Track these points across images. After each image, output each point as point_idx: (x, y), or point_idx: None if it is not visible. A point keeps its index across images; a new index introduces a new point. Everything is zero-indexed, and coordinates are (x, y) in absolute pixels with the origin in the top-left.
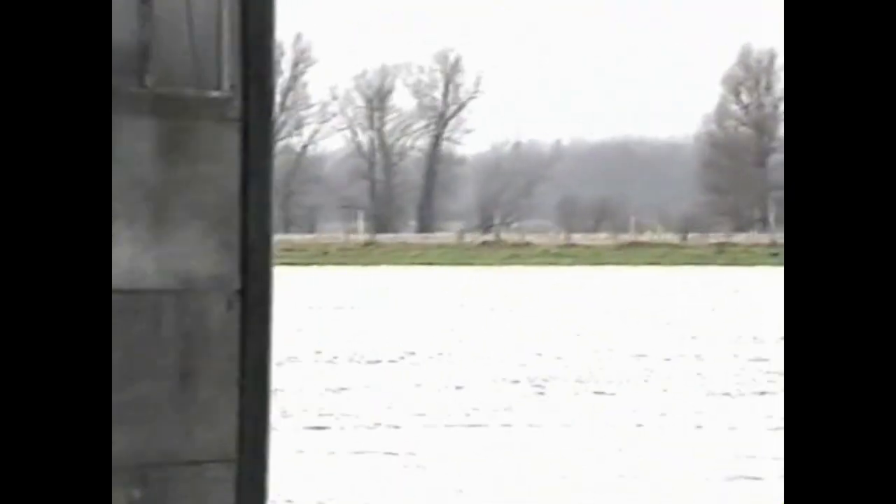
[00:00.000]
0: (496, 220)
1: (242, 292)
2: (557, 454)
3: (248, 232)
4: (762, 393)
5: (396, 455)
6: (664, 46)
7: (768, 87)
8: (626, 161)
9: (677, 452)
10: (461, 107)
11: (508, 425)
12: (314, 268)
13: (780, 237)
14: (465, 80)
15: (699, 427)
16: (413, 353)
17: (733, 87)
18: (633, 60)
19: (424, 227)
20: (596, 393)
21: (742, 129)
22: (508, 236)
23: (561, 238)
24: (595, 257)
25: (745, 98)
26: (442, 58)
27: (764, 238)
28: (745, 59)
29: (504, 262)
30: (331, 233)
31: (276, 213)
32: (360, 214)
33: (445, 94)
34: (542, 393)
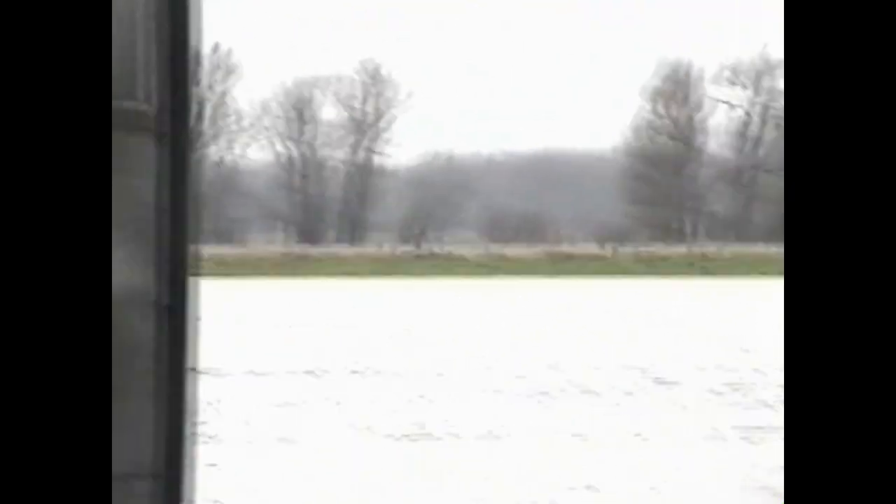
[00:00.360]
0: (426, 233)
1: (164, 305)
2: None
3: (171, 245)
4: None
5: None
6: (579, 59)
7: (686, 98)
8: (551, 174)
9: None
10: (389, 119)
11: (498, 436)
12: (244, 280)
13: (702, 248)
14: (393, 93)
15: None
16: (368, 367)
17: (652, 97)
18: (548, 72)
19: (354, 239)
20: (544, 402)
21: (661, 139)
22: (438, 248)
23: (491, 250)
24: (526, 269)
25: (662, 109)
26: (368, 70)
27: (692, 249)
28: (662, 70)
29: (434, 273)
30: (258, 245)
31: (204, 226)
32: (288, 227)
33: (374, 107)
34: (507, 401)
